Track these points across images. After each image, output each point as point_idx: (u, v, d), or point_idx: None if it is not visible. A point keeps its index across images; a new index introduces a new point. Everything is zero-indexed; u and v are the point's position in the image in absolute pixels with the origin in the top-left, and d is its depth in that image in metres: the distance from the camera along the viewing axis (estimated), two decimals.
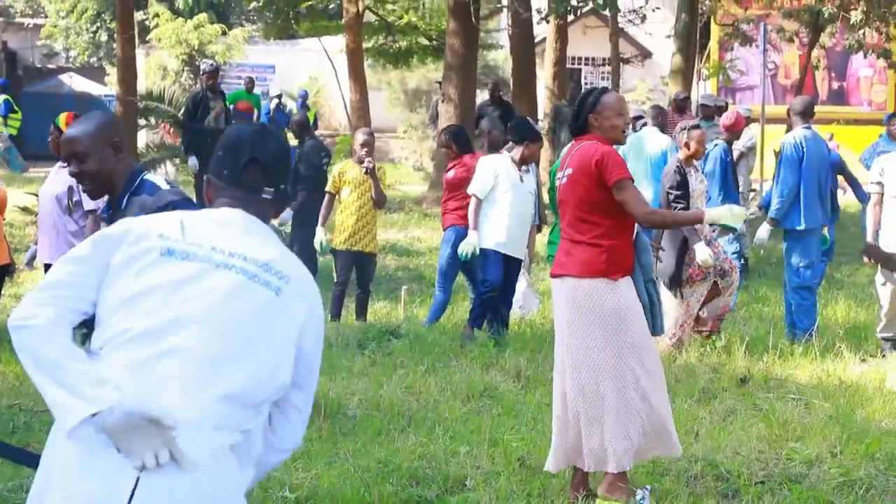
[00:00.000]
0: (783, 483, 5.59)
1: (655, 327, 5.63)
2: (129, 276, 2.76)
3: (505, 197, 8.92)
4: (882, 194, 8.90)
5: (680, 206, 8.65)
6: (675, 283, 8.74)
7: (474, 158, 9.85)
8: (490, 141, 10.62)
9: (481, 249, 8.95)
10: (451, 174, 9.90)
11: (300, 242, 11.50)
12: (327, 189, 10.45)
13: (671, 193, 8.72)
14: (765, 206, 10.05)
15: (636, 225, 5.48)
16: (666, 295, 8.61)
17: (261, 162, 2.98)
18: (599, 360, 5.28)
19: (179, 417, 2.61)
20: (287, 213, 11.57)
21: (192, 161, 14.69)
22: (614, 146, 5.47)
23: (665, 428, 5.35)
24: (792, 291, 9.27)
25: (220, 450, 2.70)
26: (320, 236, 10.27)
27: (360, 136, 10.32)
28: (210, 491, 2.68)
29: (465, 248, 9.00)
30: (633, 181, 5.39)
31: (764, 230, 9.40)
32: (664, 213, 5.34)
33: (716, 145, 10.78)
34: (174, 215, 2.90)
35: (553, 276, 5.51)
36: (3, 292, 8.69)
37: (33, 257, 10.59)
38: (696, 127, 8.95)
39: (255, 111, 18.44)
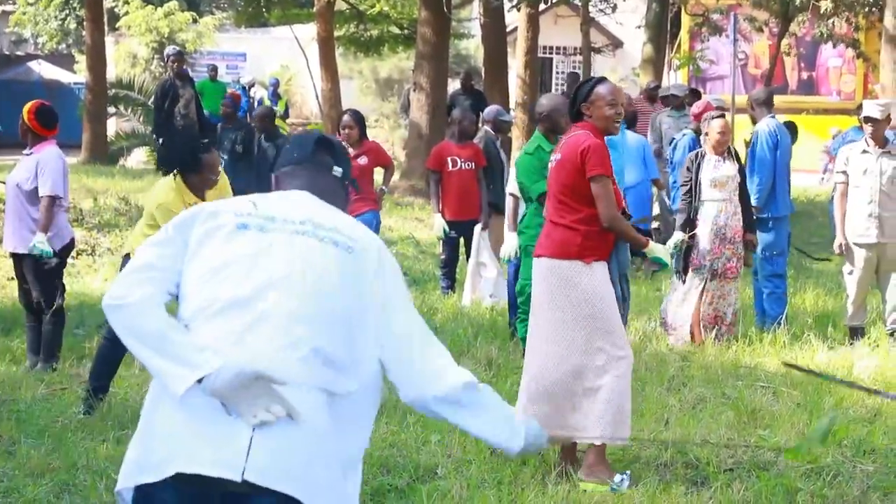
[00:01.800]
0: (752, 470, 5.62)
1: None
2: (208, 250, 2.90)
3: None
4: (847, 184, 8.94)
5: (683, 192, 8.79)
6: (683, 267, 8.81)
7: (374, 143, 10.13)
8: (461, 131, 10.64)
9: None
10: (364, 160, 9.77)
11: None
12: None
13: (683, 180, 8.87)
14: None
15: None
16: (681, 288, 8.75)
17: (331, 142, 3.23)
18: (571, 340, 5.48)
19: (285, 376, 2.73)
20: None
21: None
22: (606, 136, 5.62)
23: (623, 414, 5.49)
24: (764, 279, 9.31)
25: (318, 406, 2.81)
26: None
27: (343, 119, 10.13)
28: (318, 444, 2.79)
29: (510, 251, 8.51)
30: (611, 179, 5.48)
31: None
32: (623, 224, 5.51)
33: (684, 135, 10.83)
34: (247, 197, 3.06)
35: (534, 256, 5.71)
36: None
37: None
38: (720, 116, 8.85)
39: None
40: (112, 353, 6.66)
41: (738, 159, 8.90)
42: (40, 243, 7.51)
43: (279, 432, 2.73)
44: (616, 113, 5.54)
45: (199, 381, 2.71)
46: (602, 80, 5.67)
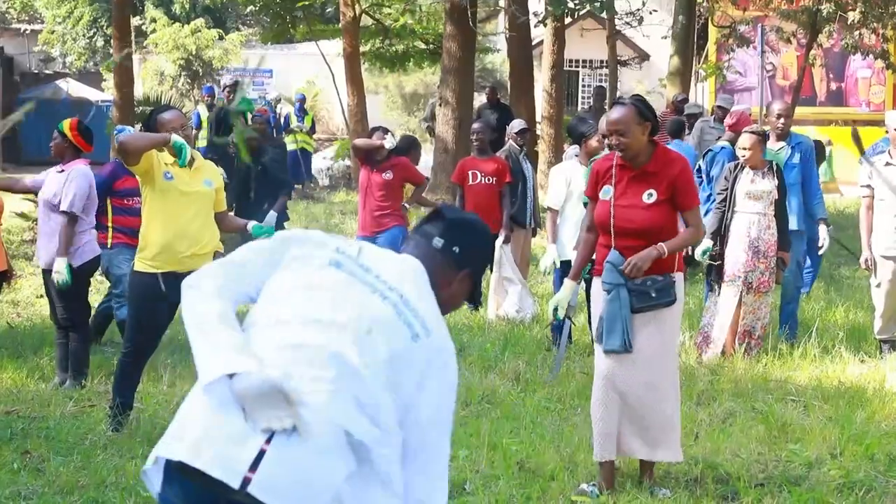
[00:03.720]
0: (783, 485, 5.58)
1: (600, 336, 5.57)
2: (296, 271, 2.97)
3: (578, 206, 8.33)
4: (872, 197, 8.85)
5: (719, 200, 8.80)
6: (717, 277, 8.81)
7: (404, 159, 10.18)
8: (480, 146, 10.67)
9: (562, 262, 8.69)
10: (388, 175, 9.86)
11: None
12: None
13: (720, 189, 8.89)
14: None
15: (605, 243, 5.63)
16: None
17: (443, 215, 3.19)
18: None
19: (306, 398, 2.72)
20: (272, 216, 11.18)
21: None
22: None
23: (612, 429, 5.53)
24: (795, 291, 9.28)
25: (339, 443, 2.76)
26: None
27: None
28: (331, 475, 2.74)
29: (547, 262, 8.86)
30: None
31: (824, 231, 9.32)
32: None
33: (722, 148, 10.73)
34: (357, 242, 3.11)
35: None
36: (1, 298, 8.67)
37: None
38: (754, 133, 8.72)
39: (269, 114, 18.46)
40: (131, 369, 6.68)
41: (780, 176, 8.76)
42: (58, 274, 7.55)
43: (293, 453, 2.70)
44: (598, 140, 5.66)
45: (232, 378, 2.73)
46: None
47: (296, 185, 19.62)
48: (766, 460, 5.96)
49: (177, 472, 2.77)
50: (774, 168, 8.73)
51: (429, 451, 2.93)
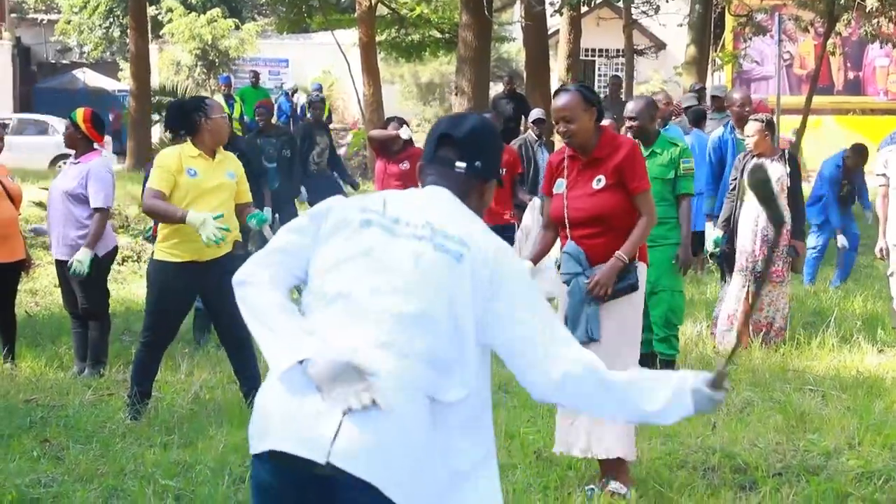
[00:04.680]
0: (801, 474, 5.56)
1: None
2: (333, 242, 2.99)
3: None
4: (887, 186, 8.81)
5: (730, 189, 8.81)
6: (727, 267, 8.84)
7: (419, 149, 10.11)
8: None
9: None
10: (405, 165, 9.87)
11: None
12: None
13: (731, 178, 8.90)
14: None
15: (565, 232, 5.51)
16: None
17: (452, 137, 3.12)
18: None
19: (377, 368, 2.78)
20: (267, 211, 10.37)
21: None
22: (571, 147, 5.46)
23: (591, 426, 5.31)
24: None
25: (417, 407, 2.81)
26: None
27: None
28: (409, 438, 2.79)
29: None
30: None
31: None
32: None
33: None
34: (380, 193, 3.10)
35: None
36: (19, 287, 8.71)
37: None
38: (757, 121, 8.63)
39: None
40: (149, 358, 6.70)
41: (792, 163, 8.71)
42: (79, 263, 7.59)
43: (370, 421, 2.73)
44: (559, 126, 5.36)
45: (303, 364, 2.79)
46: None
47: None
48: (784, 450, 5.95)
49: (266, 454, 2.83)
50: (786, 156, 8.70)
51: (538, 329, 2.92)
